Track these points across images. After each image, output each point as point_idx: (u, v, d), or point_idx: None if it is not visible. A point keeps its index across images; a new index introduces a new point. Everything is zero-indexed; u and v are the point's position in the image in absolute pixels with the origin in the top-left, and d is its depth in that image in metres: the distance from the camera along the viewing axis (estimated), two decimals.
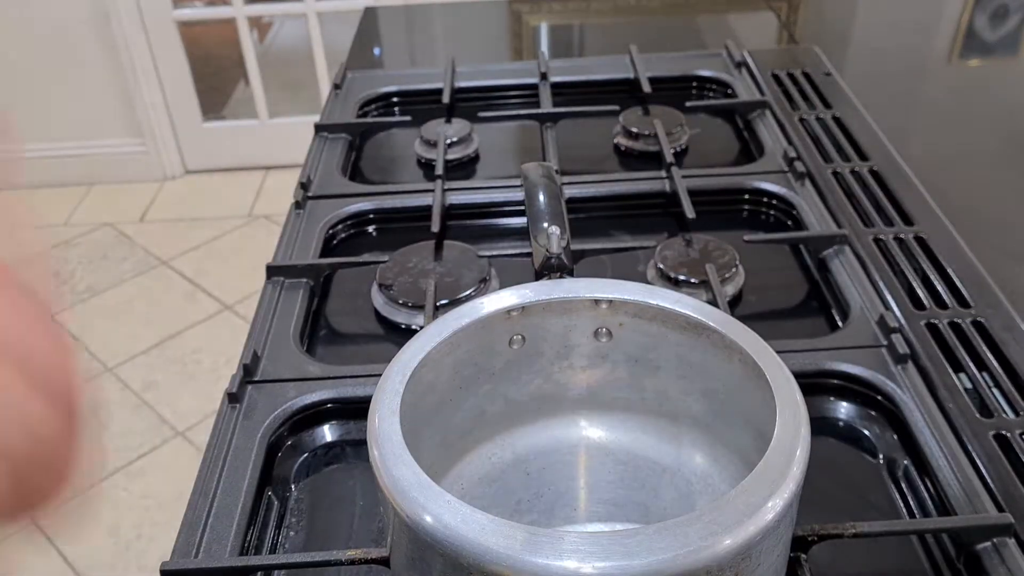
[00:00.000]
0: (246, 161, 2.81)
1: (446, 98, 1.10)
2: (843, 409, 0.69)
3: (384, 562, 0.51)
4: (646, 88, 1.09)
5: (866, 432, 0.67)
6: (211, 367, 2.05)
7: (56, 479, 0.35)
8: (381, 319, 0.79)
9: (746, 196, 0.93)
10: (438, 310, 0.76)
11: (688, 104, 1.07)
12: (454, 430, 0.57)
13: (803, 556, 0.54)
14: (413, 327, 0.77)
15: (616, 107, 1.05)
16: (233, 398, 0.68)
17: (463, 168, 1.01)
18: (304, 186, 0.94)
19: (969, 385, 0.67)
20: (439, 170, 0.94)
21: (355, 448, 0.68)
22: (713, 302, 0.73)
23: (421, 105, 1.14)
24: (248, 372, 0.70)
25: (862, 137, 0.99)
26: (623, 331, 0.57)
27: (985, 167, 1.00)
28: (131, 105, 2.65)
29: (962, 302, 0.75)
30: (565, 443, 0.61)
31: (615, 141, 1.04)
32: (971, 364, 0.69)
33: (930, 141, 1.08)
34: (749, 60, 1.16)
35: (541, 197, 0.61)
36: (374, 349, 0.78)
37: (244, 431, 0.66)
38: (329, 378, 0.70)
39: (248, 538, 0.59)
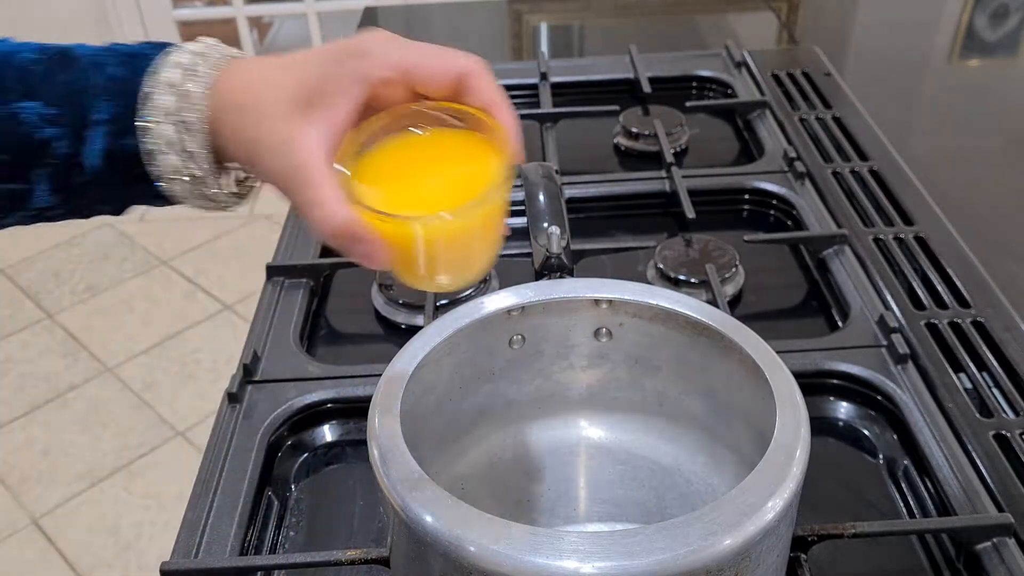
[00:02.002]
0: None
1: None
2: (843, 409, 0.69)
3: (384, 562, 0.51)
4: (646, 88, 1.09)
5: (866, 432, 0.67)
6: (211, 367, 2.05)
7: None
8: (381, 319, 0.79)
9: (746, 196, 0.93)
10: (438, 310, 0.76)
11: (688, 104, 1.07)
12: (454, 430, 0.57)
13: (803, 556, 0.54)
14: (413, 327, 0.77)
15: (616, 107, 1.05)
16: (233, 398, 0.68)
17: None
18: None
19: (969, 385, 0.67)
20: None
21: (355, 448, 0.68)
22: (713, 302, 0.73)
23: None
24: (248, 372, 0.70)
25: (862, 137, 0.99)
26: (623, 331, 0.57)
27: (985, 167, 1.00)
28: None
29: (962, 302, 0.75)
30: (565, 443, 0.61)
31: (615, 141, 1.04)
32: (971, 364, 0.69)
33: (930, 141, 1.08)
34: (749, 60, 1.16)
35: (541, 197, 0.61)
36: (374, 349, 0.78)
37: (244, 431, 0.66)
38: (329, 378, 0.70)
39: (248, 538, 0.59)
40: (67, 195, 0.43)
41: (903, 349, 0.69)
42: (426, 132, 0.42)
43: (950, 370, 0.68)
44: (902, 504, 0.62)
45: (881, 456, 0.66)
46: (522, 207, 0.61)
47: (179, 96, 0.41)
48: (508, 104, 0.42)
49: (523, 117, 1.08)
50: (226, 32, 2.74)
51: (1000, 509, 0.58)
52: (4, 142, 0.41)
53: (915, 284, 0.77)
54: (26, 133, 0.41)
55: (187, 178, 0.42)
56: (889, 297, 0.75)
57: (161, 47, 0.43)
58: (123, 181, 0.43)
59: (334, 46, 0.41)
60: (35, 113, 0.41)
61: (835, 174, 0.93)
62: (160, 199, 0.44)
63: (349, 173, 0.40)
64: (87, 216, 0.45)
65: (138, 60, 0.42)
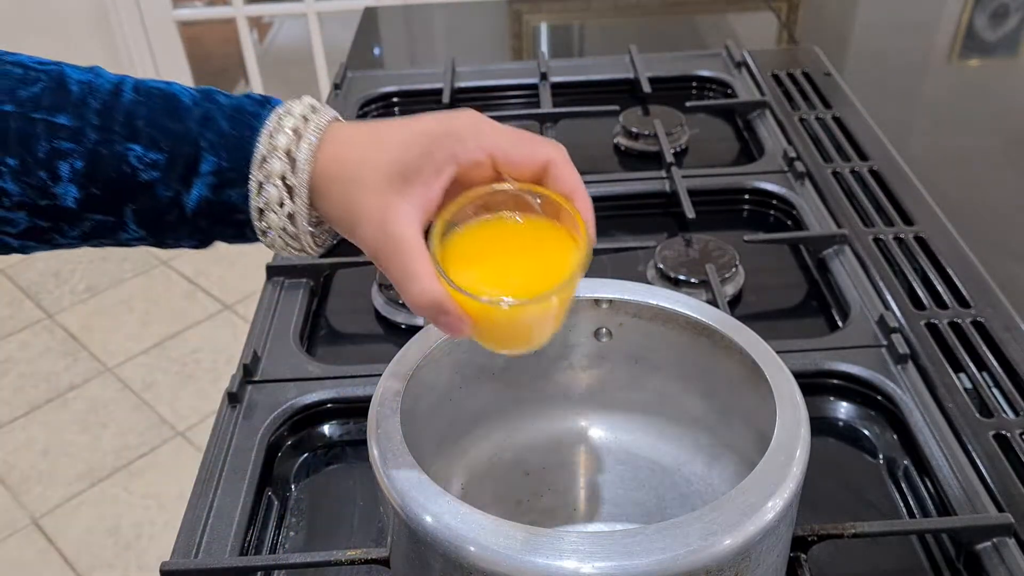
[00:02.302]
0: None
1: (446, 98, 1.10)
2: (843, 409, 0.69)
3: (384, 562, 0.51)
4: (646, 88, 1.09)
5: (866, 432, 0.67)
6: (211, 367, 2.05)
7: None
8: (381, 319, 0.79)
9: (746, 196, 0.93)
10: None
11: (688, 104, 1.07)
12: (454, 430, 0.57)
13: (803, 556, 0.54)
14: (413, 327, 0.77)
15: (616, 107, 1.05)
16: (233, 398, 0.68)
17: None
18: None
19: (969, 385, 0.67)
20: None
21: (355, 448, 0.68)
22: (713, 302, 0.73)
23: (421, 105, 1.14)
24: (248, 372, 0.70)
25: (862, 137, 0.99)
26: (623, 331, 0.57)
27: (985, 167, 1.00)
28: None
29: (962, 302, 0.75)
30: (565, 443, 0.61)
31: (615, 141, 1.04)
32: (971, 364, 0.69)
33: (930, 141, 1.08)
34: (749, 60, 1.16)
35: None
36: (374, 349, 0.78)
37: (244, 431, 0.66)
38: (329, 378, 0.70)
39: (248, 538, 0.59)
40: (155, 230, 0.44)
41: (903, 349, 0.69)
42: (508, 216, 0.46)
43: (950, 370, 0.68)
44: (902, 504, 0.62)
45: (881, 456, 0.66)
46: None
47: (288, 162, 0.43)
48: (586, 193, 0.45)
49: (523, 117, 1.09)
50: (226, 32, 2.74)
51: (1000, 509, 0.58)
52: (105, 178, 0.42)
53: (915, 284, 0.77)
54: (129, 173, 0.42)
55: (283, 232, 0.45)
56: (889, 297, 0.75)
57: (261, 102, 0.44)
58: (215, 224, 0.45)
59: (429, 126, 0.44)
60: (139, 156, 0.42)
61: (835, 174, 0.93)
62: (243, 239, 0.46)
63: (440, 248, 0.44)
64: (168, 248, 0.46)
65: (244, 116, 0.43)
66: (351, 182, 0.43)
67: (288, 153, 0.43)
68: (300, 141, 0.43)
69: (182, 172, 0.43)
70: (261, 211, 0.44)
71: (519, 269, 0.46)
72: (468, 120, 0.44)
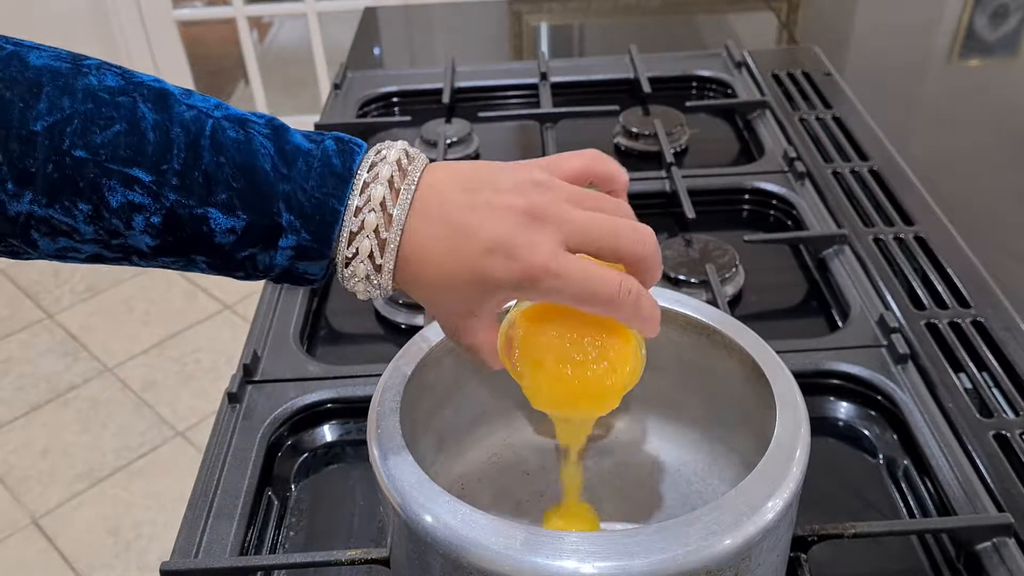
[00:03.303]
0: None
1: (446, 98, 1.10)
2: (843, 409, 0.69)
3: (384, 562, 0.51)
4: (646, 88, 1.09)
5: (866, 432, 0.67)
6: (211, 367, 2.05)
7: None
8: (381, 319, 0.79)
9: (746, 196, 0.93)
10: None
11: (688, 104, 1.07)
12: (454, 430, 0.57)
13: (803, 556, 0.54)
14: (413, 327, 0.77)
15: (616, 107, 1.05)
16: (233, 398, 0.68)
17: None
18: None
19: (969, 385, 0.67)
20: None
21: (355, 448, 0.68)
22: (713, 302, 0.73)
23: (421, 105, 1.14)
24: (248, 372, 0.70)
25: (862, 137, 0.99)
26: None
27: (985, 167, 1.00)
28: None
29: (962, 302, 0.75)
30: None
31: (615, 141, 1.04)
32: (971, 364, 0.69)
33: (930, 141, 1.08)
34: (749, 60, 1.16)
35: None
36: (374, 349, 0.78)
37: (244, 431, 0.66)
38: (329, 378, 0.70)
39: (248, 538, 0.59)
40: (225, 273, 0.44)
41: (903, 349, 0.69)
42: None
43: (950, 370, 0.68)
44: (902, 504, 0.62)
45: (881, 456, 0.66)
46: None
47: (375, 270, 0.43)
48: (657, 325, 0.46)
49: (523, 117, 1.09)
50: (226, 32, 2.74)
51: (1000, 509, 0.58)
52: (180, 234, 0.41)
53: (915, 284, 0.77)
54: (206, 233, 0.41)
55: (363, 292, 0.45)
56: (889, 297, 0.75)
57: (343, 175, 0.43)
58: (285, 277, 0.45)
59: (498, 278, 0.43)
60: (218, 221, 0.41)
61: (835, 174, 0.93)
62: (312, 285, 0.47)
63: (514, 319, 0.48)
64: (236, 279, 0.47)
65: (327, 199, 0.42)
66: (428, 304, 0.45)
67: (371, 257, 0.43)
68: (382, 262, 0.43)
69: (260, 241, 0.42)
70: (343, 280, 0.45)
71: (584, 368, 0.47)
72: (541, 279, 0.42)
